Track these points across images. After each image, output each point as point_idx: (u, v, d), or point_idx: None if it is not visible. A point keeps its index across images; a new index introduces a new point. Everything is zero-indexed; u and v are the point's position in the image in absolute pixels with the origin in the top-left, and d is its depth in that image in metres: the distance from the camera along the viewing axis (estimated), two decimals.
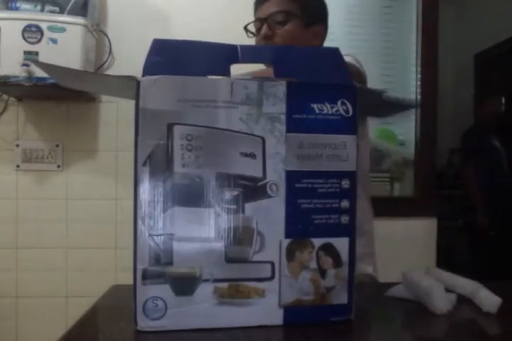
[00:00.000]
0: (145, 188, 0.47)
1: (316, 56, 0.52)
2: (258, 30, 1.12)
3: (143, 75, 0.47)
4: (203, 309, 0.47)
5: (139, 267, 0.46)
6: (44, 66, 0.51)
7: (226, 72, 0.49)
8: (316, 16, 1.14)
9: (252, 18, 1.15)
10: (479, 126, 3.03)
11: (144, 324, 0.47)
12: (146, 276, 0.46)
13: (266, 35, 1.08)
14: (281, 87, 0.49)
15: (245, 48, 0.51)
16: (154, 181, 0.47)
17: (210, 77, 0.48)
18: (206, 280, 0.47)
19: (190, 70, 0.48)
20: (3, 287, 1.64)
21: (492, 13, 3.36)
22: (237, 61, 0.50)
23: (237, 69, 0.54)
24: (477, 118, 3.12)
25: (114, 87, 0.58)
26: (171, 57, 0.48)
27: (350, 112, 0.50)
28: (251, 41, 1.18)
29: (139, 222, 0.47)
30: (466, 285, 0.60)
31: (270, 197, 0.48)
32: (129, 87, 0.47)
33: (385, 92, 0.54)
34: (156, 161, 0.47)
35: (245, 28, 1.16)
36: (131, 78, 0.47)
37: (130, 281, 0.49)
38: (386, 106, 0.58)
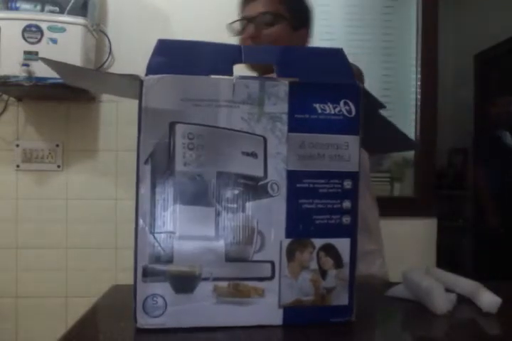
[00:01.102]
0: (146, 186, 0.47)
1: (320, 57, 0.52)
2: (243, 29, 1.09)
3: (146, 74, 0.47)
4: (203, 307, 0.47)
5: (139, 264, 0.47)
6: (49, 63, 0.52)
7: (229, 72, 0.49)
8: (304, 20, 1.13)
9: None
10: (490, 125, 3.00)
11: (144, 321, 0.47)
12: (147, 274, 0.47)
13: (252, 36, 1.05)
14: (283, 87, 0.49)
15: (249, 49, 0.51)
16: (156, 179, 0.47)
17: (212, 76, 0.48)
18: (206, 279, 0.47)
19: (194, 70, 0.48)
20: (3, 287, 1.64)
21: (492, 13, 3.36)
22: (240, 61, 0.50)
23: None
24: (488, 117, 3.08)
25: (116, 86, 0.58)
26: (175, 57, 0.49)
27: (353, 112, 0.50)
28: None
29: (140, 219, 0.47)
30: (466, 285, 0.60)
31: (271, 196, 0.48)
32: (132, 85, 0.48)
33: (385, 107, 0.54)
34: (158, 159, 0.47)
35: (229, 25, 1.13)
36: (134, 77, 0.47)
37: (130, 281, 0.49)
38: (379, 122, 0.57)
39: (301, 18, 1.12)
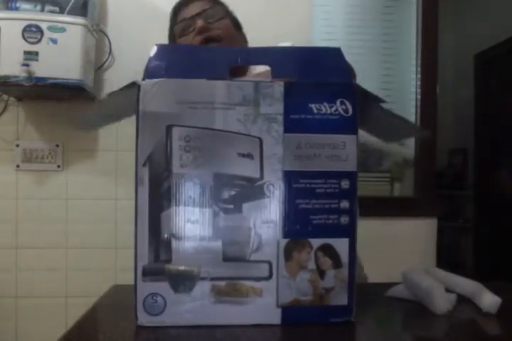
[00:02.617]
0: (145, 188, 0.48)
1: (318, 56, 0.52)
2: (187, 28, 1.07)
3: (143, 79, 0.48)
4: (201, 306, 0.48)
5: (139, 264, 0.48)
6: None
7: (225, 75, 0.49)
8: (239, 24, 1.16)
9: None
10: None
11: (144, 319, 0.48)
12: (146, 273, 0.47)
13: (203, 28, 1.03)
14: (277, 88, 0.49)
15: (245, 51, 0.51)
16: (154, 181, 0.48)
17: (207, 79, 0.49)
18: (204, 278, 0.48)
19: (191, 74, 0.49)
20: (3, 287, 1.64)
21: (492, 13, 3.36)
22: (236, 63, 0.51)
23: None
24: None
25: (120, 105, 0.58)
26: (172, 61, 0.49)
27: (350, 112, 0.50)
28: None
29: (139, 220, 0.48)
30: (466, 285, 0.60)
31: (267, 197, 0.48)
32: (132, 95, 0.48)
33: (386, 102, 0.54)
34: (156, 162, 0.48)
35: (170, 30, 1.11)
36: (131, 83, 0.48)
37: (130, 281, 0.49)
38: (383, 116, 0.57)
39: (237, 21, 1.14)
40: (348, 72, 0.51)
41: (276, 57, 0.51)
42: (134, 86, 0.48)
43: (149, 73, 0.49)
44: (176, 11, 1.13)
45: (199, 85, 0.48)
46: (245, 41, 1.15)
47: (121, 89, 0.50)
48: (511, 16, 3.12)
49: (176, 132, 0.47)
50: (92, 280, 1.62)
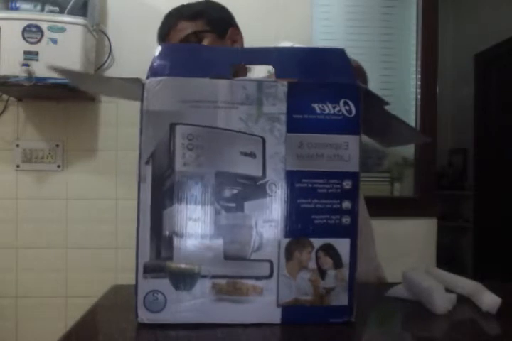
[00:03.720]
0: (147, 185, 0.48)
1: (322, 57, 0.52)
2: None
3: (148, 77, 0.49)
4: (201, 304, 0.48)
5: (140, 261, 0.48)
6: (55, 69, 0.53)
7: (228, 74, 0.49)
8: (225, 23, 1.16)
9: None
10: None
11: (145, 316, 0.48)
12: (148, 270, 0.47)
13: None
14: (281, 88, 0.49)
15: (247, 50, 0.51)
16: (156, 179, 0.48)
17: (210, 78, 0.49)
18: (204, 277, 0.48)
19: (194, 73, 0.49)
20: (3, 287, 1.64)
21: (492, 13, 3.36)
22: (239, 63, 0.51)
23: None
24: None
25: (120, 89, 0.59)
26: (176, 60, 0.50)
27: (353, 112, 0.50)
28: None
29: (141, 217, 0.48)
30: (466, 285, 0.60)
31: (269, 196, 0.49)
32: (133, 88, 0.49)
33: (388, 104, 0.54)
34: (159, 160, 0.48)
35: None
36: (136, 80, 0.49)
37: (130, 281, 0.49)
38: (386, 119, 0.58)
39: (221, 24, 1.15)
40: (353, 73, 0.51)
41: (280, 58, 0.51)
42: (136, 81, 0.49)
43: (153, 72, 0.49)
44: (160, 41, 1.15)
45: (202, 84, 0.48)
46: (233, 40, 1.16)
47: (123, 80, 0.50)
48: (511, 16, 3.12)
49: (179, 130, 0.48)
50: (92, 280, 1.62)
